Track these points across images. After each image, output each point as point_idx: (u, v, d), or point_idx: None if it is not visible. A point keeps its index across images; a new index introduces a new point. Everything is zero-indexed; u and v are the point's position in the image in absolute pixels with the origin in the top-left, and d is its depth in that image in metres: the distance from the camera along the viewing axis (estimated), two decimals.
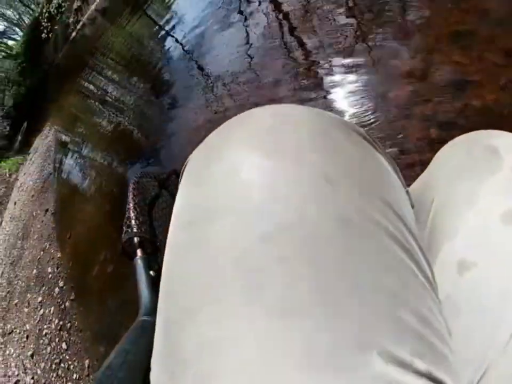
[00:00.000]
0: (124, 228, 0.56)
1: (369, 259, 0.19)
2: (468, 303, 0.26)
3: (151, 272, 0.50)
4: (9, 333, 2.55)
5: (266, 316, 0.17)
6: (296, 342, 0.16)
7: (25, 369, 2.15)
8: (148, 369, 0.21)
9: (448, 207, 0.30)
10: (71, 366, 1.80)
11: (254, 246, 0.19)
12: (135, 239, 0.53)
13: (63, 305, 2.15)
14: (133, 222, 0.55)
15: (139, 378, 0.31)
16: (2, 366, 2.39)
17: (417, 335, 0.18)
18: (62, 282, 2.30)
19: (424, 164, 0.37)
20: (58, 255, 2.56)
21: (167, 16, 3.65)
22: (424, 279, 0.22)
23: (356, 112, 1.34)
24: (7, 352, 2.45)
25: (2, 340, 2.59)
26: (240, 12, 2.47)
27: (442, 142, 0.33)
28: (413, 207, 0.28)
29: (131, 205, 0.58)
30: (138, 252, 0.52)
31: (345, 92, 1.44)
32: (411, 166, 1.07)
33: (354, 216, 0.20)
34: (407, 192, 0.28)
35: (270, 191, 0.20)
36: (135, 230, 0.54)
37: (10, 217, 4.00)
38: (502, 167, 0.28)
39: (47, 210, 3.22)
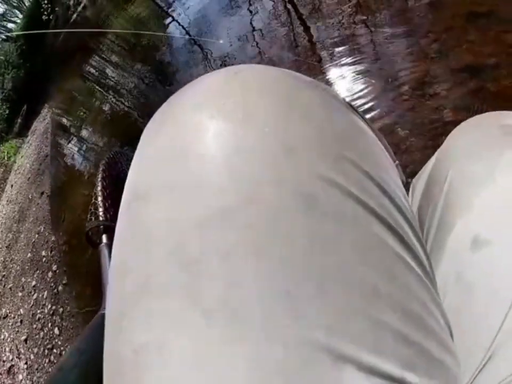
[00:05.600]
0: (89, 215, 0.51)
1: (339, 244, 0.16)
2: (479, 282, 0.24)
3: None
4: (4, 317, 2.55)
5: (205, 323, 0.14)
6: (241, 354, 0.13)
7: (19, 354, 2.15)
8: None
9: (464, 183, 0.28)
10: (63, 352, 1.78)
11: (191, 234, 0.15)
12: (101, 226, 0.48)
13: (56, 290, 2.13)
14: (99, 208, 0.49)
15: (93, 381, 0.27)
16: None
17: (407, 341, 0.15)
18: (55, 266, 2.28)
19: (436, 147, 0.34)
20: (53, 239, 2.53)
21: None
22: (417, 267, 0.18)
23: (363, 92, 1.26)
24: (2, 336, 2.45)
25: None
26: None
27: (455, 125, 0.32)
28: (403, 182, 0.26)
29: (99, 188, 0.52)
30: (104, 239, 0.47)
31: (350, 73, 1.35)
32: (423, 149, 1.00)
33: (321, 190, 0.16)
34: (397, 166, 0.26)
35: (212, 163, 0.17)
36: (100, 218, 0.48)
37: (7, 200, 3.99)
38: None
39: (42, 193, 3.19)
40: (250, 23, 2.13)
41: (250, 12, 2.21)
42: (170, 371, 0.14)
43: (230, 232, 0.15)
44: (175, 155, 0.18)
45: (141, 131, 0.22)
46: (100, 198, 0.50)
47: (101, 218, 0.48)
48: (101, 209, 0.49)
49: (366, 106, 1.21)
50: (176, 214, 0.16)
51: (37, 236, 2.78)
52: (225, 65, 2.11)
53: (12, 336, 2.33)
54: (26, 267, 2.63)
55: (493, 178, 0.26)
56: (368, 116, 1.17)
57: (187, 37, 2.78)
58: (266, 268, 0.14)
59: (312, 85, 0.22)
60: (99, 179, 0.54)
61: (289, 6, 1.96)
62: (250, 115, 0.18)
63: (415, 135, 1.05)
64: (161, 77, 2.84)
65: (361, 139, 0.21)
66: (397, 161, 0.27)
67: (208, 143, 0.17)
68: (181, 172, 0.17)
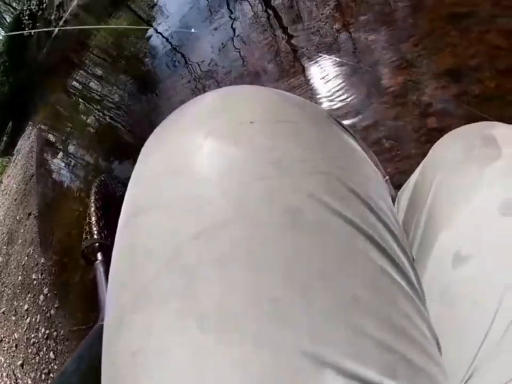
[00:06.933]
0: (84, 234, 0.53)
1: (322, 256, 0.16)
2: (462, 297, 0.24)
3: None
4: None
5: (199, 328, 0.14)
6: (232, 360, 0.14)
7: (16, 379, 2.09)
8: None
9: (446, 197, 0.29)
10: None
11: (187, 244, 0.17)
12: (96, 244, 0.50)
13: (48, 313, 2.09)
14: (93, 228, 0.51)
15: None
16: None
17: (388, 349, 0.15)
18: (46, 289, 2.24)
19: (422, 156, 0.34)
20: (42, 261, 2.49)
21: (151, 11, 3.57)
22: (402, 281, 0.19)
23: (346, 102, 1.26)
24: None
25: None
26: (226, 4, 2.39)
27: (440, 131, 0.30)
28: (392, 197, 0.26)
29: (92, 209, 0.54)
30: (99, 256, 0.49)
31: (333, 82, 1.36)
32: (408, 158, 0.99)
33: (306, 205, 0.17)
34: (386, 181, 0.26)
35: (206, 181, 0.18)
36: (95, 236, 0.50)
37: None
38: (500, 154, 0.27)
39: (30, 214, 3.14)
40: (232, 31, 2.15)
41: (231, 20, 2.23)
42: (167, 375, 0.14)
43: (223, 244, 0.16)
44: (170, 173, 0.19)
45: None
46: (94, 218, 0.52)
47: (95, 237, 0.50)
48: (95, 229, 0.51)
49: (349, 115, 1.21)
50: (172, 227, 0.17)
51: (26, 258, 2.73)
52: (207, 74, 2.12)
53: (8, 361, 2.27)
54: (18, 290, 2.58)
55: (474, 192, 0.27)
56: (351, 126, 1.17)
57: (169, 46, 2.79)
58: (256, 276, 0.15)
59: (301, 103, 0.23)
60: (92, 201, 0.56)
61: (270, 14, 1.98)
62: (241, 135, 0.19)
63: (400, 145, 1.04)
64: (145, 88, 2.85)
65: (349, 156, 0.22)
66: (387, 177, 0.28)
67: (202, 162, 0.18)
68: (177, 189, 0.18)
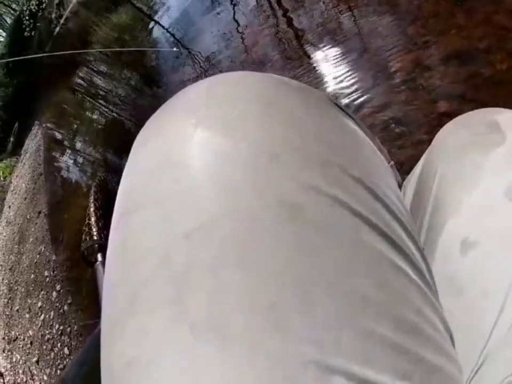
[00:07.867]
0: (84, 235, 0.52)
1: (325, 253, 0.15)
2: (470, 284, 0.24)
3: None
4: (14, 340, 2.56)
5: (192, 338, 0.13)
6: (226, 369, 0.13)
7: (32, 376, 2.15)
8: None
9: (451, 185, 0.28)
10: None
11: (178, 247, 0.15)
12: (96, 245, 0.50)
13: (61, 310, 2.13)
14: (93, 228, 0.51)
15: None
16: (11, 373, 2.39)
17: (400, 350, 0.14)
18: (59, 286, 2.28)
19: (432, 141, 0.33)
20: (54, 258, 2.52)
21: (152, 3, 3.56)
22: (412, 272, 0.17)
23: (353, 88, 1.23)
24: (14, 359, 2.46)
25: (8, 347, 2.60)
26: None
27: (451, 116, 0.31)
28: (399, 183, 0.26)
29: (91, 209, 0.53)
30: (99, 257, 0.49)
31: (339, 67, 1.33)
32: (418, 144, 0.96)
33: (306, 198, 0.16)
34: (392, 166, 0.26)
35: (197, 174, 0.17)
36: (95, 238, 0.50)
37: (6, 222, 3.97)
38: (504, 139, 0.27)
39: (40, 212, 3.18)
40: (234, 20, 2.13)
41: (234, 9, 2.20)
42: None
43: (214, 244, 0.15)
44: (161, 167, 0.18)
45: (134, 137, 0.21)
46: (93, 219, 0.51)
47: (95, 238, 0.49)
48: (94, 229, 0.50)
49: (357, 101, 1.19)
50: (163, 227, 0.16)
51: (38, 256, 2.77)
52: (211, 64, 2.10)
53: (23, 358, 2.33)
54: (31, 288, 2.63)
55: (479, 178, 0.26)
56: (359, 112, 1.15)
57: (172, 38, 2.77)
58: (249, 280, 0.14)
59: (298, 88, 0.22)
60: (91, 201, 0.55)
61: (272, 1, 1.94)
62: (233, 123, 0.18)
63: (410, 130, 1.02)
64: (150, 81, 2.86)
65: (350, 142, 0.20)
66: (392, 162, 0.27)
67: (193, 153, 0.17)
68: (168, 184, 0.17)
